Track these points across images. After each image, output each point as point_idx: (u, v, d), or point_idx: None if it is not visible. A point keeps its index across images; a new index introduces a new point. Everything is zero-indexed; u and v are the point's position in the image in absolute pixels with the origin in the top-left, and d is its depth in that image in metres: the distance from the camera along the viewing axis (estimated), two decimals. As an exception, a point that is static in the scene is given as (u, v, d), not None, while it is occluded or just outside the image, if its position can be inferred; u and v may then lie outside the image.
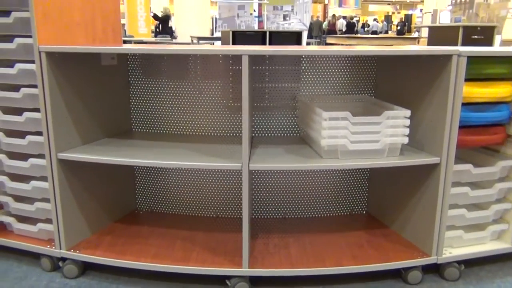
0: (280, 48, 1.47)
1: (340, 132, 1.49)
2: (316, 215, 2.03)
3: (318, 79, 1.91)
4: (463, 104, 1.53)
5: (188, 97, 1.93)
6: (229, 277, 1.56)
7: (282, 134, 1.95)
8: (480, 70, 1.56)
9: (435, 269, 1.70)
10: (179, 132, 1.97)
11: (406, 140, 1.53)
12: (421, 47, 1.75)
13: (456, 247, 1.69)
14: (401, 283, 1.64)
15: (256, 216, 2.01)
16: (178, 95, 1.93)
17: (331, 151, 1.52)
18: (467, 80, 1.51)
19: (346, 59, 1.90)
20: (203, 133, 1.96)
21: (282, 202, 2.01)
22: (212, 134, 1.95)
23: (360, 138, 1.50)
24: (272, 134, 1.95)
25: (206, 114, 1.94)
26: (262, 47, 1.51)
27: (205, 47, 1.42)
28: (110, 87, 1.85)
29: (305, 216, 2.02)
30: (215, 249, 1.67)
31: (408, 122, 1.52)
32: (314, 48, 1.49)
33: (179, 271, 1.56)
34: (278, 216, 2.01)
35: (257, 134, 1.95)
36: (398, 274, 1.67)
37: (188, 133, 1.97)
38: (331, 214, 2.04)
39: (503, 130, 1.66)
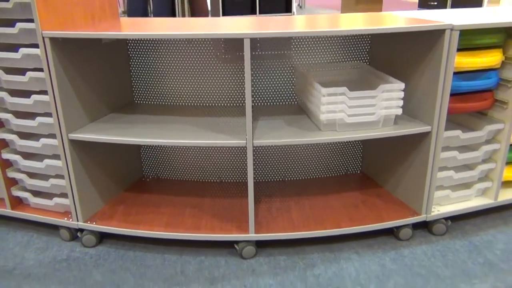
0: (281, 31, 1.51)
1: (338, 106, 1.57)
2: (314, 176, 2.15)
3: (314, 48, 1.95)
4: (454, 73, 1.61)
5: (186, 68, 1.98)
6: (237, 242, 1.70)
7: (280, 103, 2.02)
8: (471, 41, 1.63)
9: (424, 225, 1.85)
10: (179, 103, 2.03)
11: (400, 111, 1.62)
12: (415, 20, 1.79)
13: (444, 204, 1.84)
14: (393, 239, 1.80)
15: (257, 180, 2.13)
16: (176, 67, 1.98)
17: (329, 124, 1.61)
18: (458, 50, 1.58)
19: (341, 26, 1.93)
20: (202, 104, 2.02)
21: (281, 165, 2.12)
22: (212, 104, 2.02)
23: (356, 112, 1.59)
24: (271, 103, 2.02)
25: (203, 84, 1.99)
26: (262, 30, 1.54)
27: (205, 32, 1.45)
28: (111, 63, 1.88)
29: (303, 178, 2.15)
30: (223, 216, 1.80)
31: (402, 94, 1.60)
32: (317, 30, 1.54)
33: (191, 238, 1.70)
34: (277, 179, 2.14)
35: (255, 103, 2.02)
36: (390, 231, 1.82)
37: (187, 104, 2.03)
38: (328, 175, 2.16)
39: (491, 96, 1.75)
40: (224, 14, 5.19)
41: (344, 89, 1.55)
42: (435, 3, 4.30)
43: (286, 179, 2.14)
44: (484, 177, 1.89)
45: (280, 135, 1.60)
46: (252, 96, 2.00)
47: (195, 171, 2.14)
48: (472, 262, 1.66)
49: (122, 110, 1.93)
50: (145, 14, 4.33)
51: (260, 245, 1.75)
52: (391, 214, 1.79)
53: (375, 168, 2.08)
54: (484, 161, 1.84)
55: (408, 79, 1.73)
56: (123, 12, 6.14)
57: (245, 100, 1.74)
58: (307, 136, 1.58)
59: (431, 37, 1.58)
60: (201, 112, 1.90)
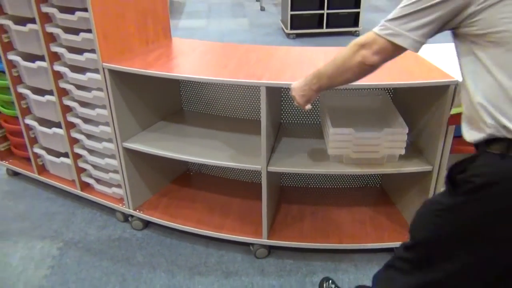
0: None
1: (345, 144, 1.77)
2: (334, 186, 2.38)
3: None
4: (462, 120, 1.72)
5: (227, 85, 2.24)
6: (252, 244, 2.02)
7: (306, 121, 2.23)
8: (480, 92, 1.71)
9: (424, 247, 2.04)
10: (219, 114, 2.32)
11: (403, 151, 1.78)
12: (428, 70, 1.89)
13: (445, 231, 2.00)
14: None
15: (284, 184, 2.40)
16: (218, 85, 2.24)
17: (336, 156, 1.83)
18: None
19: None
20: (237, 116, 2.29)
21: (305, 173, 2.36)
22: (246, 117, 2.28)
23: (362, 149, 1.78)
24: (298, 121, 2.23)
25: (239, 100, 2.25)
26: (278, 79, 1.75)
27: (228, 79, 1.69)
28: (162, 79, 2.19)
29: (324, 186, 2.38)
30: (244, 218, 2.11)
31: (405, 137, 1.76)
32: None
33: (216, 236, 2.04)
34: (302, 185, 2.39)
35: (284, 121, 2.24)
36: (391, 248, 2.03)
37: (224, 115, 2.31)
38: (348, 186, 2.38)
39: (502, 139, 1.84)
40: (292, 28, 5.38)
41: (351, 130, 1.75)
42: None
43: (309, 186, 2.39)
44: (489, 210, 2.00)
45: (293, 162, 1.84)
46: (282, 113, 2.23)
47: (231, 170, 2.45)
48: None
49: (170, 118, 2.26)
50: None
51: (273, 247, 2.06)
52: (392, 235, 1.99)
53: (391, 186, 2.25)
54: (490, 196, 1.95)
55: (419, 118, 1.87)
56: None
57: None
58: (316, 167, 1.81)
59: (438, 89, 1.70)
60: (234, 126, 2.18)
